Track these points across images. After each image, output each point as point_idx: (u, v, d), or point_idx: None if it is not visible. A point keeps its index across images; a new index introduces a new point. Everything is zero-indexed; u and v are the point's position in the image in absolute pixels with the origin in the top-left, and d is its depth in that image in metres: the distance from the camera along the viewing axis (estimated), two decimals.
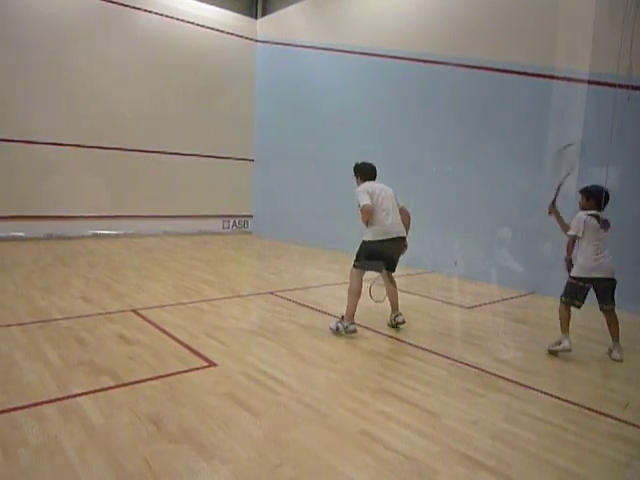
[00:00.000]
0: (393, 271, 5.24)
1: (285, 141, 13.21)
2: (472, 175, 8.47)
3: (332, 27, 11.61)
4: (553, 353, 4.58)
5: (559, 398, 3.63)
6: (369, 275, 5.14)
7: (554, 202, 4.79)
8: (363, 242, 5.00)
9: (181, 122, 12.87)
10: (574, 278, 4.57)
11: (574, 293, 4.54)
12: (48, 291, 6.27)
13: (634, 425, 3.25)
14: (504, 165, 7.95)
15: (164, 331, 4.80)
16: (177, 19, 12.56)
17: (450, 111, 8.88)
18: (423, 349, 4.62)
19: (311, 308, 6.00)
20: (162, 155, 12.61)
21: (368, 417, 3.17)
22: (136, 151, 12.20)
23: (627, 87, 6.53)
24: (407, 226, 5.15)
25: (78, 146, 11.31)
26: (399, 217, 5.08)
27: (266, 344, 4.57)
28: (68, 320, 5.04)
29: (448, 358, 4.39)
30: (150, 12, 12.12)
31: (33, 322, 4.92)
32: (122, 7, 11.67)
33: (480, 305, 6.60)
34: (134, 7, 11.84)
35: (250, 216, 14.52)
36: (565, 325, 4.57)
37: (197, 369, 3.87)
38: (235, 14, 13.67)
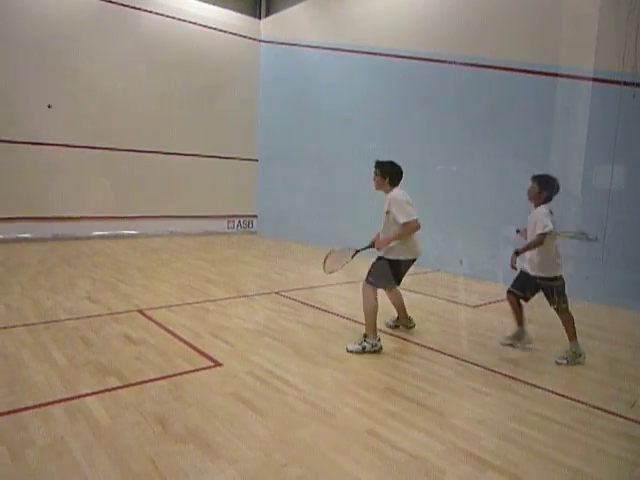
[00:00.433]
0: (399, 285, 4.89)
1: (289, 141, 13.21)
2: (477, 174, 8.44)
3: (336, 27, 11.61)
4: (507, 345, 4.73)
5: (566, 397, 3.61)
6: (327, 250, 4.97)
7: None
8: (391, 261, 4.52)
9: (185, 122, 12.89)
10: (560, 278, 4.37)
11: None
12: (54, 292, 6.29)
13: None
14: (509, 163, 7.92)
15: (170, 331, 4.81)
16: (180, 19, 12.59)
17: (455, 110, 8.86)
18: (429, 348, 4.61)
19: (316, 308, 6.00)
20: (162, 155, 12.63)
21: (374, 416, 3.17)
22: (141, 152, 12.23)
23: (632, 84, 6.49)
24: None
25: (83, 147, 11.35)
26: None
27: (272, 344, 4.57)
28: (74, 320, 5.06)
29: (454, 357, 4.38)
30: (154, 13, 12.14)
31: (39, 323, 4.94)
32: (126, 8, 11.70)
33: (486, 304, 6.57)
34: (138, 8, 11.87)
35: (255, 216, 14.53)
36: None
37: (203, 369, 3.88)
38: (239, 14, 13.68)
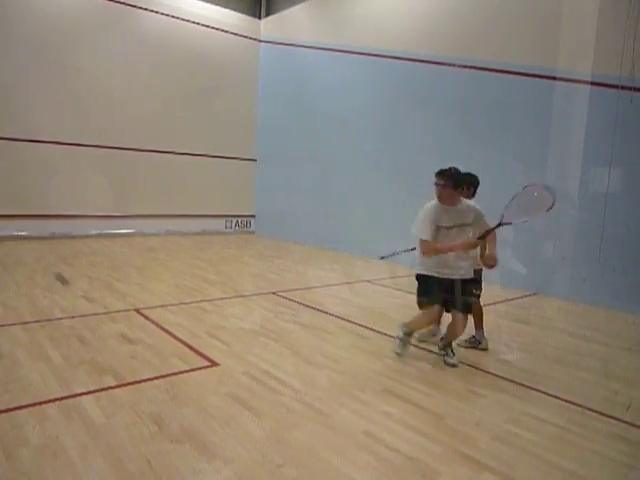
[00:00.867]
0: None
1: (288, 141, 13.21)
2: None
3: (336, 28, 11.61)
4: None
5: (562, 399, 3.61)
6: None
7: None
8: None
9: (184, 122, 12.88)
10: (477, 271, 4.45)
11: None
12: (50, 290, 6.27)
13: (637, 427, 3.23)
14: (507, 166, 7.93)
15: (166, 331, 4.80)
16: (181, 19, 12.58)
17: (453, 112, 8.87)
18: (425, 350, 4.61)
19: (313, 308, 5.99)
20: (160, 154, 12.62)
21: (370, 418, 3.17)
22: (139, 150, 12.22)
23: (630, 89, 6.52)
24: None
25: (81, 145, 11.33)
26: None
27: (268, 344, 4.57)
28: (70, 319, 5.04)
29: None
30: (154, 12, 12.14)
31: (35, 321, 4.92)
32: (127, 7, 11.69)
33: (483, 306, 6.57)
34: (138, 7, 11.86)
35: (253, 216, 14.52)
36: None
37: (199, 369, 3.87)
38: (239, 14, 13.69)
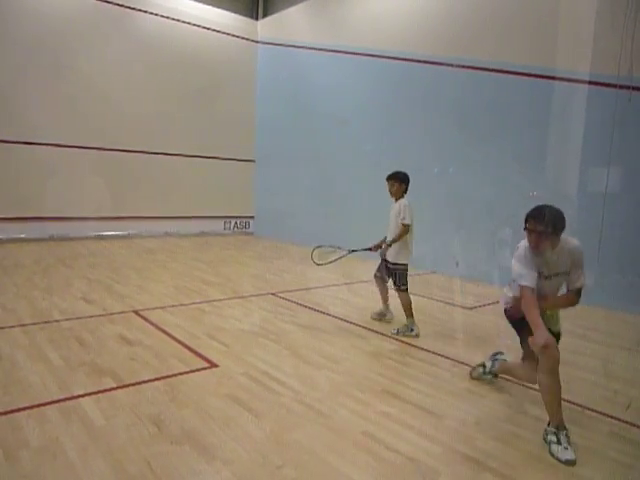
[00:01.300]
0: None
1: (286, 142, 13.21)
2: (474, 176, 8.46)
3: (333, 28, 11.62)
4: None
5: (562, 399, 3.61)
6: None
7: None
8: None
9: (182, 123, 12.87)
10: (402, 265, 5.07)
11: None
12: (49, 292, 6.27)
13: (636, 426, 3.24)
14: (506, 166, 7.95)
15: (165, 332, 4.80)
16: (178, 20, 12.57)
17: (451, 112, 8.88)
18: (425, 350, 4.62)
19: (312, 309, 5.99)
20: (159, 155, 12.61)
21: (370, 418, 3.17)
22: (137, 152, 12.20)
23: (628, 88, 6.52)
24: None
25: (79, 147, 11.31)
26: None
27: (268, 345, 4.57)
28: (69, 321, 5.04)
29: (450, 359, 4.39)
30: (151, 13, 12.13)
31: (34, 323, 4.92)
32: (124, 9, 11.67)
33: (482, 306, 6.59)
34: (136, 9, 11.85)
35: (251, 217, 14.52)
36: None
37: (198, 370, 3.87)
38: (236, 15, 13.68)
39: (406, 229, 4.93)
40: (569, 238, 3.23)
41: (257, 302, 6.27)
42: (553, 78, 7.35)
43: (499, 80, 8.12)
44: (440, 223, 8.83)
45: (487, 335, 5.20)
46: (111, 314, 5.37)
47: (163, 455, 2.64)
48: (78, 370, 3.76)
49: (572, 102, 7.16)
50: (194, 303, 6.02)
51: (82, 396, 3.31)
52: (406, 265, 5.07)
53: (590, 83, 6.91)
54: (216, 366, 3.96)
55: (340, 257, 5.41)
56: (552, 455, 2.80)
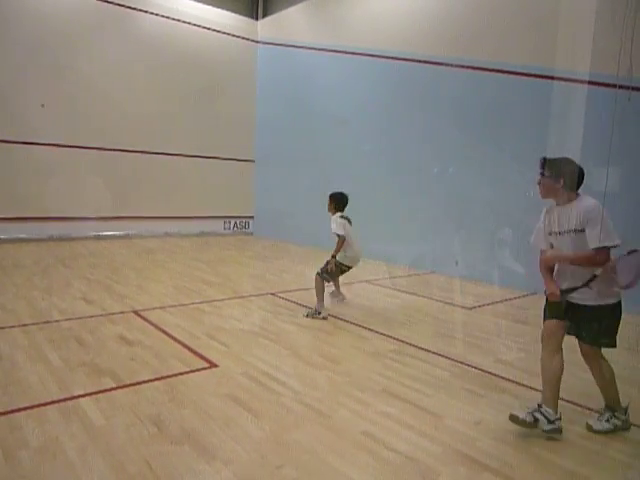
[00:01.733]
0: None
1: (286, 142, 13.20)
2: (473, 176, 8.46)
3: (333, 28, 11.61)
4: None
5: (561, 399, 3.60)
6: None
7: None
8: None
9: (182, 123, 12.87)
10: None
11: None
12: (49, 292, 6.26)
13: (636, 426, 3.24)
14: (505, 166, 7.94)
15: (165, 332, 4.79)
16: (179, 20, 12.57)
17: (451, 112, 8.88)
18: (425, 350, 4.61)
19: (312, 309, 5.98)
20: (158, 156, 12.61)
21: (370, 418, 3.17)
22: (137, 152, 12.20)
23: (627, 88, 6.52)
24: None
25: (79, 147, 11.31)
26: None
27: (267, 345, 4.57)
28: (69, 321, 5.04)
29: (450, 359, 4.38)
30: (152, 14, 12.12)
31: (34, 323, 4.92)
32: (124, 9, 11.67)
33: (481, 306, 6.59)
34: (136, 9, 11.85)
35: (251, 217, 14.51)
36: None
37: (198, 370, 3.87)
38: (236, 15, 13.68)
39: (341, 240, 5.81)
40: (588, 197, 3.20)
41: (257, 302, 6.27)
42: (553, 78, 7.35)
43: (499, 80, 8.12)
44: (440, 223, 8.83)
45: (487, 335, 5.19)
46: (111, 314, 5.37)
47: (163, 455, 2.63)
48: (78, 370, 3.76)
49: (572, 102, 7.16)
50: (194, 303, 6.02)
51: (82, 396, 3.30)
52: (341, 264, 5.76)
53: (590, 83, 6.91)
54: (216, 366, 3.96)
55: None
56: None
